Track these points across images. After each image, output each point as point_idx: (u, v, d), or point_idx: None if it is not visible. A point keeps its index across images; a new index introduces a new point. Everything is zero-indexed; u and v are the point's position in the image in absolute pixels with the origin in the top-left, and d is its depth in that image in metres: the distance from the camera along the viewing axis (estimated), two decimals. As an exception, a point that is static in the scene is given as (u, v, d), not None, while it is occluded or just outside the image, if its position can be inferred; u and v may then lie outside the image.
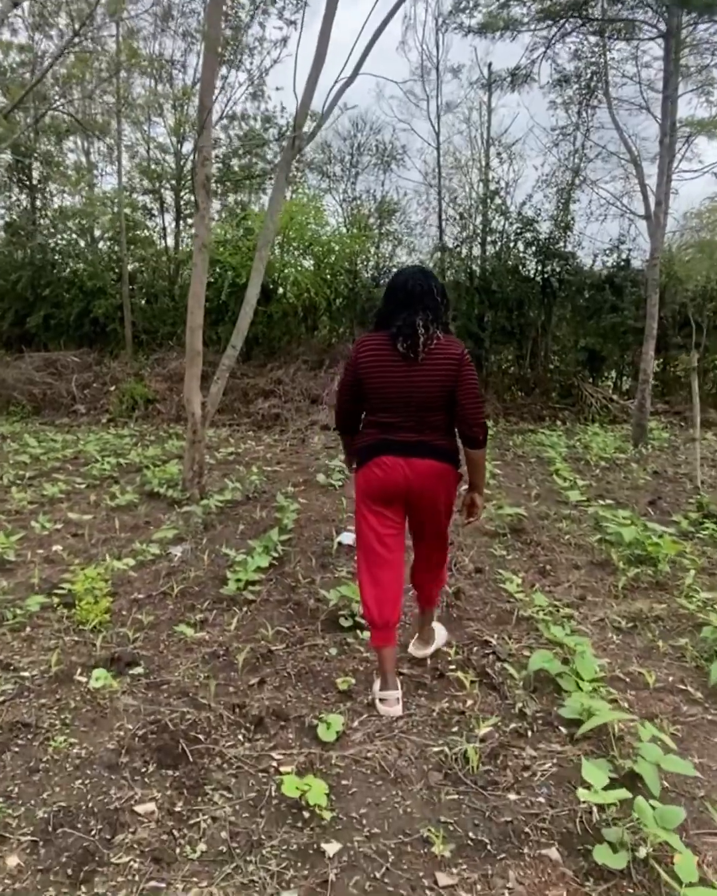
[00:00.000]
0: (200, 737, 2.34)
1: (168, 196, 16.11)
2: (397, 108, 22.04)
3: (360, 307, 13.58)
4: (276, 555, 4.45)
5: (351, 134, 14.08)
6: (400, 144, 13.83)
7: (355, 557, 2.86)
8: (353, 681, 2.77)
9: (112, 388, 12.74)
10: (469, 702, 2.68)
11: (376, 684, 2.67)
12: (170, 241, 16.11)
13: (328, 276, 14.12)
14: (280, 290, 14.19)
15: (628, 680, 2.89)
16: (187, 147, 16.08)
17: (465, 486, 2.82)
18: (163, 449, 8.55)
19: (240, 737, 2.37)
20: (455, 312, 13.08)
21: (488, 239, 13.00)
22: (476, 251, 13.22)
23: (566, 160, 13.24)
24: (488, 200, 12.61)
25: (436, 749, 2.34)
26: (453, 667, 2.98)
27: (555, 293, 12.93)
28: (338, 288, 14.23)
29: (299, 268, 14.00)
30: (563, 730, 2.48)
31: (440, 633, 3.17)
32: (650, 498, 6.36)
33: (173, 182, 15.93)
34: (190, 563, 4.39)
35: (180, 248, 15.82)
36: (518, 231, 12.58)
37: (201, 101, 5.40)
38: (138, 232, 15.50)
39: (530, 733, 2.46)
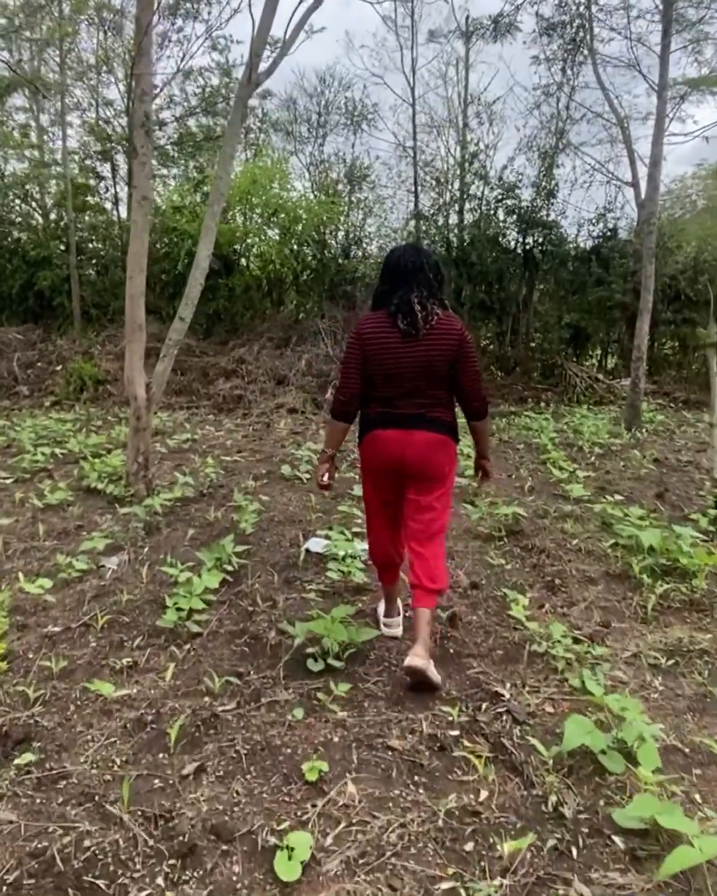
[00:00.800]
0: (101, 882, 1.61)
1: (121, 161, 15.03)
2: (368, 60, 20.92)
3: (329, 280, 12.74)
4: (230, 568, 3.71)
5: (318, 90, 13.12)
6: (371, 102, 12.92)
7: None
8: (324, 767, 2.06)
9: (58, 368, 11.75)
10: (484, 794, 1.99)
11: (381, 608, 3.17)
12: (123, 210, 15.04)
13: (295, 247, 13.26)
14: (243, 261, 13.32)
15: (687, 752, 2.22)
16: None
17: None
18: (108, 436, 7.69)
19: (160, 879, 1.64)
20: (431, 286, 12.34)
21: (467, 206, 12.23)
22: (453, 219, 12.44)
23: (549, 122, 12.49)
24: (467, 164, 11.81)
25: (446, 886, 1.65)
26: (456, 732, 2.29)
27: (538, 265, 12.24)
28: (305, 260, 13.37)
29: (264, 237, 13.12)
30: (619, 842, 1.80)
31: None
32: (657, 490, 5.74)
33: (125, 144, 14.85)
34: (125, 581, 3.63)
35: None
36: (499, 198, 11.82)
37: (138, 19, 4.53)
38: (88, 198, 14.41)
39: (574, 851, 1.77)
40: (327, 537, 4.22)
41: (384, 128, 19.45)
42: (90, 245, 13.92)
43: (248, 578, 3.69)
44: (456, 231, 12.38)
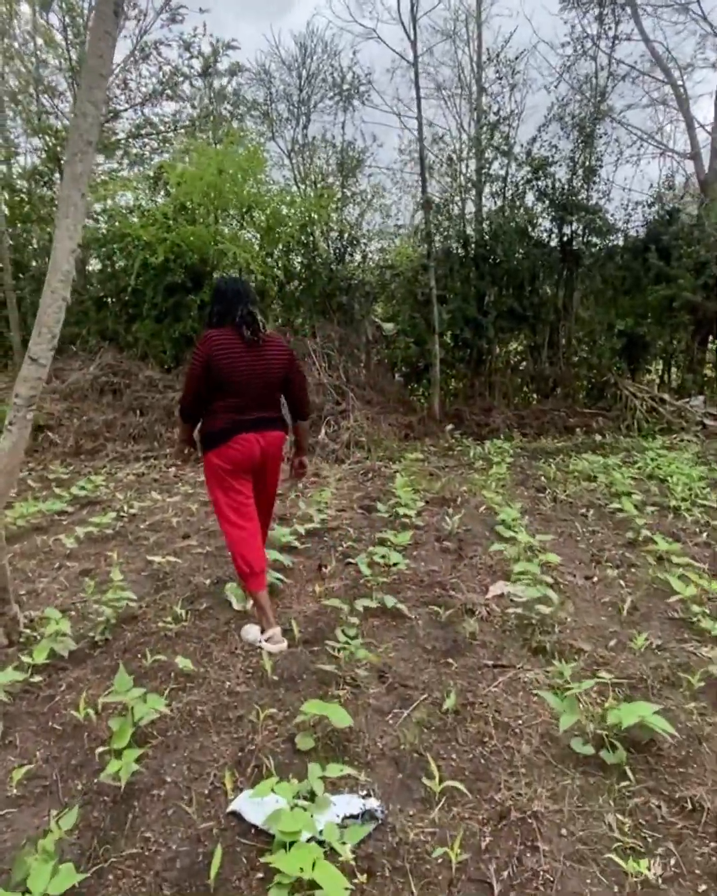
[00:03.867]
0: None
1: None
2: (356, 10, 18.62)
3: (320, 290, 10.78)
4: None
5: (298, 61, 11.24)
6: (365, 70, 10.99)
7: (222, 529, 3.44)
8: None
9: (-11, 413, 9.83)
10: None
11: (257, 631, 3.32)
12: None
13: (279, 252, 11.35)
14: (215, 274, 11.41)
15: None
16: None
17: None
18: (22, 513, 5.66)
19: None
20: (445, 292, 10.32)
21: (487, 190, 10.23)
22: (470, 208, 10.46)
23: (583, 85, 10.52)
24: (485, 138, 9.82)
25: None
26: None
27: (579, 261, 10.20)
28: (291, 267, 11.45)
29: (240, 240, 11.22)
30: None
31: None
32: None
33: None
34: None
35: (88, 225, 12.94)
36: (527, 178, 9.82)
37: None
38: (33, 207, 12.57)
39: None
40: (273, 790, 2.18)
41: (381, 100, 17.37)
42: (33, 262, 12.07)
43: None
44: (474, 222, 10.39)
